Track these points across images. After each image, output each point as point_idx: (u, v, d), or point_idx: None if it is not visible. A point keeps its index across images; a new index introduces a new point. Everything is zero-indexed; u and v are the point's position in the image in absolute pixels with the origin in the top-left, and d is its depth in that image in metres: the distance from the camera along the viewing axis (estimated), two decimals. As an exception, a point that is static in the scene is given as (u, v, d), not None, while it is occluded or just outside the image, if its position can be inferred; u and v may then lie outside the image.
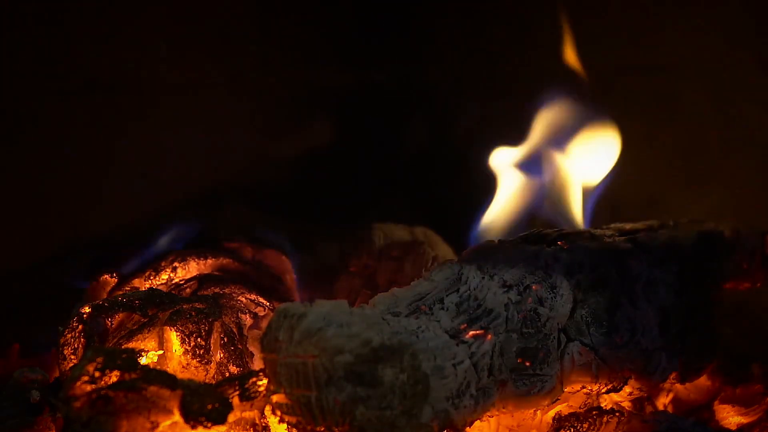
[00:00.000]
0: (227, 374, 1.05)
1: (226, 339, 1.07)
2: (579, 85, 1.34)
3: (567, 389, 0.96)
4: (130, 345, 1.04)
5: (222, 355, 1.06)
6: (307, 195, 1.92)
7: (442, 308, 0.90)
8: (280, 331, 0.82)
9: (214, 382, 1.01)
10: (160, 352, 1.03)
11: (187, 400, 0.83)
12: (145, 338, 1.05)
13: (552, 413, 1.03)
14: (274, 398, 0.84)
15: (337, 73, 1.91)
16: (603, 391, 0.99)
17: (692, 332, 1.03)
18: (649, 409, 1.08)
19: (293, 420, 0.83)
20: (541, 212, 1.26)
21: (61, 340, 1.07)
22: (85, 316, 1.08)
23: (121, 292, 1.19)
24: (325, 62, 1.90)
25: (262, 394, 0.88)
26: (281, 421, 0.84)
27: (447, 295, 0.92)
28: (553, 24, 1.66)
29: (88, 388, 0.83)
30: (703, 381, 1.17)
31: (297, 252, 1.49)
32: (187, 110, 1.69)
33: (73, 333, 1.07)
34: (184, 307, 1.07)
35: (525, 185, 1.30)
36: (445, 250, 1.37)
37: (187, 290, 1.20)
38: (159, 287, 1.19)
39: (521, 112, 1.37)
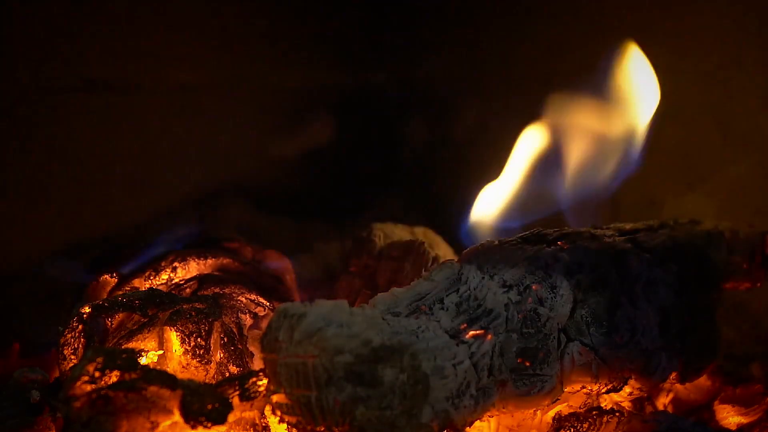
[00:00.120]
0: (227, 374, 1.05)
1: (226, 339, 1.07)
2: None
3: (567, 389, 0.96)
4: (130, 345, 1.04)
5: (222, 355, 1.06)
6: (307, 195, 1.92)
7: (442, 308, 0.90)
8: (280, 331, 0.82)
9: (214, 382, 1.01)
10: (160, 352, 1.03)
11: (187, 400, 0.83)
12: (145, 338, 1.05)
13: (552, 413, 1.03)
14: (274, 398, 0.84)
15: (337, 73, 1.91)
16: (603, 391, 0.99)
17: (692, 332, 1.03)
18: (649, 409, 1.08)
19: (293, 420, 0.83)
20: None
21: (61, 340, 1.07)
22: (85, 316, 1.08)
23: (121, 292, 1.19)
24: (326, 62, 1.90)
25: (262, 394, 0.88)
26: (281, 421, 0.85)
27: (447, 295, 0.92)
28: (553, 24, 1.66)
29: (88, 388, 0.83)
30: (703, 381, 1.17)
31: (297, 252, 1.49)
32: (187, 110, 1.69)
33: (73, 333, 1.07)
34: (184, 307, 1.07)
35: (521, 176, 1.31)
36: (445, 250, 1.37)
37: (187, 290, 1.20)
38: (159, 287, 1.19)
39: (522, 112, 1.37)
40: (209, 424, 0.83)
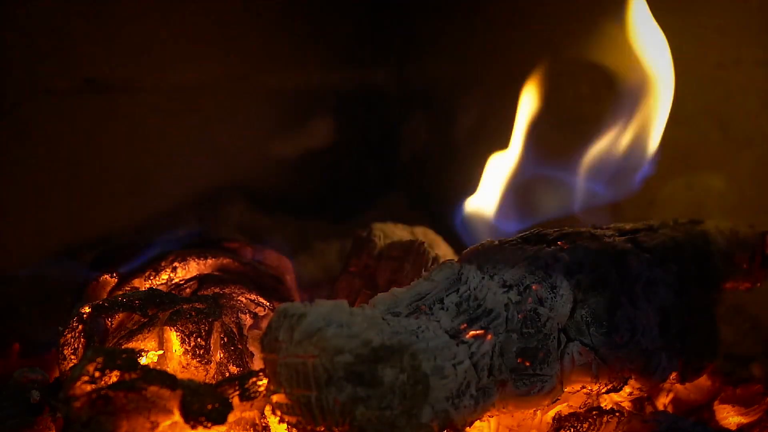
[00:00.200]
0: (227, 374, 1.05)
1: (226, 339, 1.07)
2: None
3: (567, 389, 0.96)
4: (130, 345, 1.04)
5: (222, 355, 1.06)
6: (307, 195, 1.92)
7: (442, 308, 0.90)
8: (280, 331, 0.82)
9: (214, 382, 1.01)
10: (160, 352, 1.03)
11: (187, 400, 0.83)
12: (145, 338, 1.05)
13: (552, 413, 1.03)
14: (274, 398, 0.84)
15: (337, 73, 1.92)
16: (603, 391, 0.99)
17: (692, 332, 1.03)
18: (649, 409, 1.08)
19: (293, 420, 0.83)
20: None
21: (61, 340, 1.07)
22: (85, 316, 1.08)
23: (121, 292, 1.19)
24: (326, 62, 1.91)
25: (262, 394, 0.88)
26: (281, 421, 0.85)
27: (447, 295, 0.92)
28: (553, 24, 1.67)
29: (88, 388, 0.83)
30: (703, 381, 1.17)
31: (297, 252, 1.50)
32: (187, 110, 1.69)
33: (73, 333, 1.07)
34: (184, 307, 1.07)
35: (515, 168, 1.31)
36: (445, 250, 1.37)
37: (187, 290, 1.20)
38: (159, 287, 1.19)
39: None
40: (209, 424, 0.83)
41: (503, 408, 0.91)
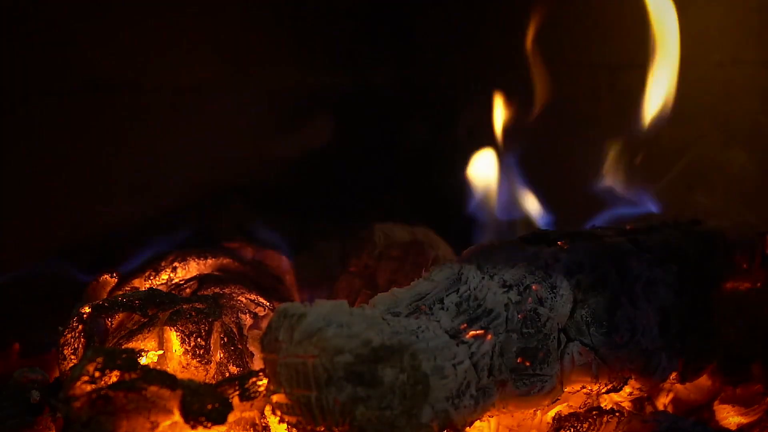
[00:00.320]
0: (227, 374, 1.05)
1: (226, 339, 1.07)
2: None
3: (567, 389, 0.96)
4: (130, 345, 1.04)
5: (222, 355, 1.06)
6: (307, 195, 1.92)
7: (442, 308, 0.90)
8: (280, 331, 0.82)
9: (214, 382, 1.01)
10: (160, 352, 1.03)
11: (187, 400, 0.83)
12: (145, 338, 1.05)
13: (552, 413, 1.03)
14: (274, 398, 0.84)
15: (337, 74, 1.91)
16: (603, 391, 0.99)
17: (692, 332, 1.03)
18: (649, 409, 1.08)
19: (293, 420, 0.83)
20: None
21: (61, 340, 1.07)
22: (85, 316, 1.08)
23: (121, 292, 1.19)
24: (325, 63, 1.90)
25: (262, 394, 0.88)
26: (281, 421, 0.84)
27: (447, 295, 0.92)
28: (554, 23, 1.66)
29: (88, 388, 0.83)
30: (703, 381, 1.17)
31: (297, 252, 1.49)
32: (187, 110, 1.69)
33: (73, 333, 1.07)
34: (184, 307, 1.07)
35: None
36: (445, 250, 1.37)
37: (187, 290, 1.20)
38: (159, 287, 1.19)
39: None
40: (209, 424, 0.82)
41: (503, 408, 0.91)
